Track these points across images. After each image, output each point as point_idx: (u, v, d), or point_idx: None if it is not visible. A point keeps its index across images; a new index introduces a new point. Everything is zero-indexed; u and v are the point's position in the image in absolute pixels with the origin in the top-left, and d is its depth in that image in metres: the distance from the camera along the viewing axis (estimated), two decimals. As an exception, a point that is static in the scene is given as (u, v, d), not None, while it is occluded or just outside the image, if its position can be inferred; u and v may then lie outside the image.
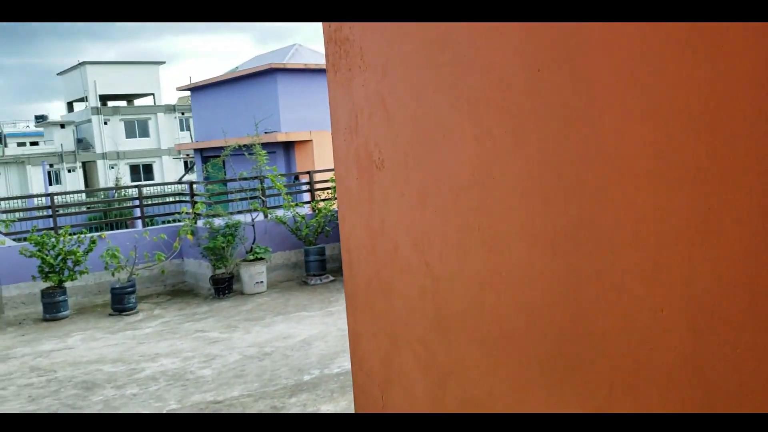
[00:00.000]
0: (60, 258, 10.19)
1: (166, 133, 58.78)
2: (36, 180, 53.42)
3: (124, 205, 17.24)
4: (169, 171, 58.50)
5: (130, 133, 58.13)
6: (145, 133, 58.91)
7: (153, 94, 60.54)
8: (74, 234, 10.53)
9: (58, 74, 61.26)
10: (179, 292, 11.81)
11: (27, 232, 10.70)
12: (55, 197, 12.39)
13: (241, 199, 12.08)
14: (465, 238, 1.90)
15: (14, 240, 11.36)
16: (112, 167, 57.24)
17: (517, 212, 1.68)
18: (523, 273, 1.70)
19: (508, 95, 1.68)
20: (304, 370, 6.99)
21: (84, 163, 56.89)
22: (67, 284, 10.40)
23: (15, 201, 18.59)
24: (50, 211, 11.78)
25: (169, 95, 66.37)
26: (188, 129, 59.93)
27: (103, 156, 56.77)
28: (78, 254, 10.24)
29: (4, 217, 11.03)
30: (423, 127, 1.99)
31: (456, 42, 1.81)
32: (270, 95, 21.81)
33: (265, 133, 21.70)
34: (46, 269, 10.12)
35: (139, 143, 57.93)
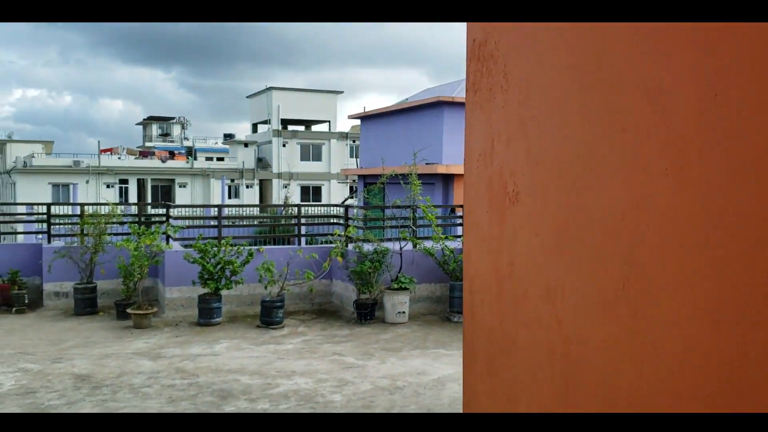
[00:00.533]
0: (219, 267, 10.73)
1: (337, 158, 61.45)
2: (217, 192, 57.96)
3: (284, 222, 18.00)
4: (335, 194, 61.09)
5: (304, 156, 61.40)
6: (318, 157, 61.95)
7: (329, 121, 63.63)
8: (235, 245, 11.06)
9: (247, 97, 66.33)
10: (324, 312, 11.99)
11: (194, 239, 11.41)
12: (227, 209, 13.14)
13: (392, 227, 12.10)
14: (607, 294, 1.55)
15: (182, 246, 12.19)
16: (285, 186, 60.72)
17: (675, 270, 1.31)
18: (676, 347, 1.32)
19: (674, 125, 1.32)
20: (433, 412, 6.68)
21: (261, 181, 60.88)
22: (223, 292, 10.92)
23: (186, 209, 20.13)
24: (226, 222, 12.52)
25: (343, 123, 69.22)
26: (356, 156, 62.49)
27: (279, 175, 60.37)
28: (235, 264, 10.73)
29: (179, 223, 11.95)
30: (566, 157, 1.67)
31: (612, 59, 1.47)
32: (435, 127, 21.98)
33: (426, 164, 21.92)
34: (206, 276, 10.69)
35: (311, 166, 61.00)
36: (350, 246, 11.51)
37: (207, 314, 10.71)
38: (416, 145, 23.25)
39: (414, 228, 11.76)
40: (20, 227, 15.16)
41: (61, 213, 14.80)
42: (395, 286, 10.87)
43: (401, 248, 11.30)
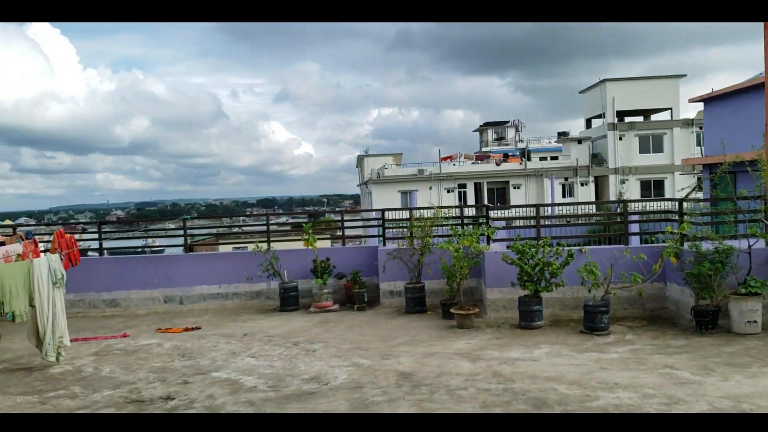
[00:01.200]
0: (537, 268, 10.36)
1: (681, 148, 56.21)
2: (550, 192, 57.53)
3: (608, 220, 16.78)
4: (680, 188, 55.79)
5: (643, 149, 57.54)
6: (659, 148, 57.50)
7: (671, 109, 58.54)
8: (555, 245, 10.58)
9: (579, 92, 64.61)
10: (656, 318, 10.76)
11: (511, 240, 11.22)
12: (549, 209, 12.72)
13: (737, 222, 10.30)
14: None
15: (506, 246, 12.13)
16: (622, 182, 57.56)
17: None
18: None
19: None
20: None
21: (596, 178, 58.71)
22: (544, 295, 10.51)
23: (510, 210, 20.03)
24: (553, 221, 12.16)
25: (686, 110, 62.98)
26: (702, 144, 56.21)
27: (615, 171, 57.54)
28: (554, 266, 10.25)
29: (498, 224, 11.94)
30: None
31: None
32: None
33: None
34: (524, 277, 10.41)
35: (651, 159, 56.82)
36: (685, 245, 10.13)
37: (527, 317, 10.42)
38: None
39: (767, 222, 9.85)
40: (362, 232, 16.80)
41: (397, 218, 16.01)
42: (743, 290, 9.20)
43: (750, 246, 9.54)
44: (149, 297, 13.85)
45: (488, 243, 11.84)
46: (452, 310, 10.84)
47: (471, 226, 12.04)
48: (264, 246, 13.37)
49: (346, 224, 15.95)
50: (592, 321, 9.95)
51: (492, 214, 12.93)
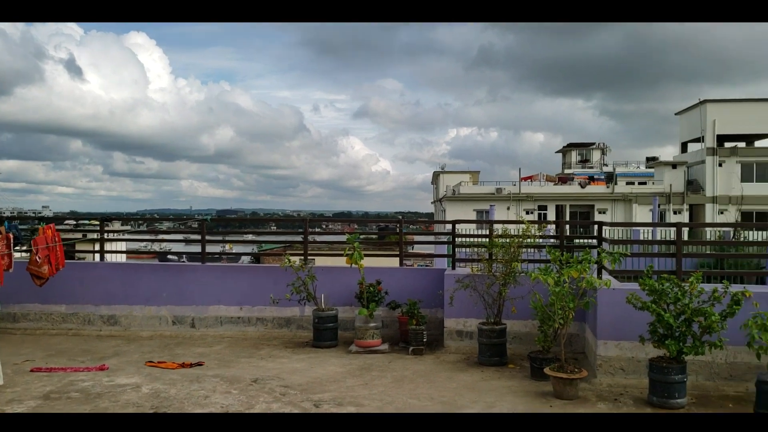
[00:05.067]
0: (683, 318, 6.89)
1: (791, 177, 50.48)
2: (641, 217, 52.64)
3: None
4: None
5: (746, 177, 52.06)
6: (763, 177, 51.82)
7: (779, 134, 52.85)
8: (708, 286, 7.05)
9: (676, 114, 59.51)
10: None
11: (641, 272, 7.74)
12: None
13: None
14: None
15: (620, 281, 8.63)
16: (721, 212, 52.20)
17: None
18: None
19: None
20: None
21: (691, 206, 53.53)
22: (689, 358, 7.01)
23: (620, 230, 16.28)
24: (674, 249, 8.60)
25: (796, 136, 57.01)
26: (821, 174, 50.46)
27: (713, 200, 52.29)
28: (712, 317, 6.73)
29: (619, 248, 8.27)
30: None
31: None
32: None
33: None
34: (661, 330, 6.96)
35: (756, 188, 51.23)
36: None
37: (663, 389, 6.91)
38: None
39: None
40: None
41: (473, 234, 12.66)
42: None
43: None
44: (155, 315, 11.02)
45: (600, 275, 8.41)
46: (547, 370, 7.45)
47: (577, 252, 8.64)
48: (296, 260, 10.34)
49: (415, 246, 12.69)
50: (769, 405, 6.37)
51: (608, 233, 9.48)
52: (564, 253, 8.58)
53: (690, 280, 7.00)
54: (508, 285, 8.94)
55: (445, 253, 11.73)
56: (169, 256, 36.52)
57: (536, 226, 9.39)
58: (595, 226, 9.40)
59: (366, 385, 7.87)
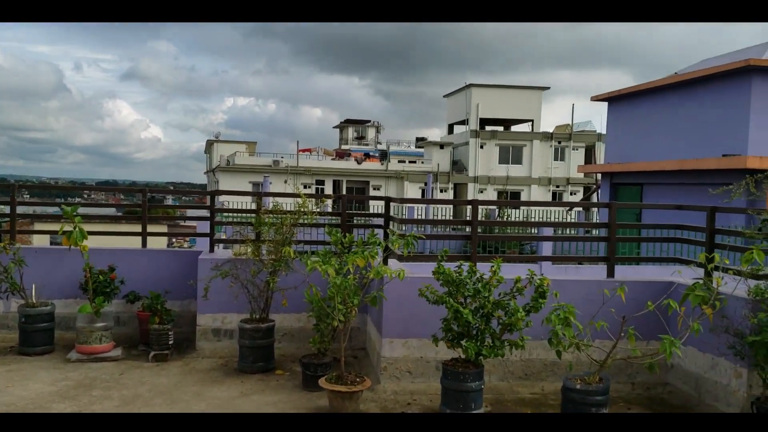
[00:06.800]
0: (482, 313, 5.77)
1: (540, 161, 55.38)
2: (411, 194, 54.34)
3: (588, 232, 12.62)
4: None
5: (503, 159, 56.01)
6: (517, 160, 56.24)
7: (532, 121, 57.64)
8: (508, 275, 6.00)
9: (444, 96, 62.30)
10: (659, 403, 6.56)
11: (431, 257, 6.52)
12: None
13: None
14: None
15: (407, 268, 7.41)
16: (481, 191, 55.77)
17: None
18: None
19: None
20: None
21: (456, 185, 56.47)
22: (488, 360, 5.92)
23: (419, 207, 15.42)
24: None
25: (547, 123, 62.78)
26: (561, 159, 55.86)
27: (475, 179, 55.60)
28: (517, 313, 5.67)
29: (411, 231, 6.83)
30: None
31: None
32: (735, 104, 15.50)
33: (724, 156, 15.57)
34: (457, 328, 5.79)
35: (510, 170, 55.47)
36: (733, 285, 5.94)
37: (458, 399, 5.73)
38: (694, 131, 17.02)
39: None
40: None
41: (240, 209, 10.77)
42: None
43: None
44: None
45: (386, 260, 7.08)
46: (323, 382, 5.93)
47: (361, 232, 7.19)
48: (-6, 241, 7.70)
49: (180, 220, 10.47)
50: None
51: (394, 211, 8.19)
52: (347, 234, 7.12)
53: (492, 268, 5.89)
54: (278, 273, 7.25)
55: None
56: None
57: (314, 201, 7.79)
58: (381, 203, 8.08)
59: (83, 410, 5.74)
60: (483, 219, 13.82)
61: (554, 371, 6.89)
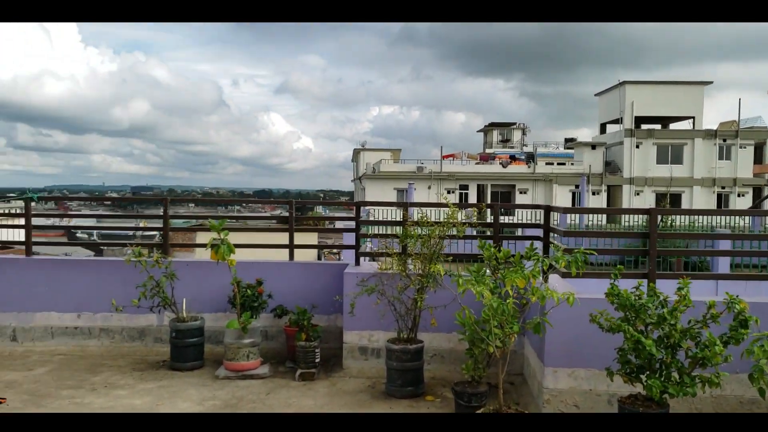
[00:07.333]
0: (666, 344, 4.88)
1: (702, 161, 51.11)
2: (561, 198, 52.22)
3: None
4: (698, 203, 50.74)
5: (661, 159, 52.34)
6: (677, 159, 52.30)
7: (693, 118, 53.28)
8: (698, 299, 5.06)
9: (595, 95, 59.32)
10: None
11: (602, 273, 5.68)
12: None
13: None
14: None
15: (575, 289, 6.59)
16: (638, 194, 52.44)
17: None
18: None
19: None
20: None
21: (609, 187, 53.51)
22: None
23: (589, 217, 14.46)
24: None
25: (710, 120, 57.85)
26: (727, 158, 51.30)
27: (630, 181, 52.36)
28: (715, 346, 4.72)
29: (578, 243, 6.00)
30: None
31: None
32: None
33: None
34: (636, 360, 4.94)
35: (669, 170, 51.64)
36: None
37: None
38: None
39: None
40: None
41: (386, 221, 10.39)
42: None
43: None
44: (-38, 326, 8.26)
45: (546, 277, 6.32)
46: (481, 413, 5.30)
47: (512, 245, 6.48)
48: (147, 253, 7.81)
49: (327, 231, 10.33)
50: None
51: (555, 221, 7.39)
52: (498, 247, 6.44)
53: (680, 290, 4.97)
54: (426, 290, 6.73)
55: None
56: (79, 234, 32.68)
57: (464, 211, 7.19)
58: (541, 212, 7.30)
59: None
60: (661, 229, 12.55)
61: (752, 410, 5.81)
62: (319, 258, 18.64)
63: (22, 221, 8.59)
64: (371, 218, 17.75)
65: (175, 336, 7.45)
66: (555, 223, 13.86)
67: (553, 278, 6.65)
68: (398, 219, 7.72)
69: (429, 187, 50.96)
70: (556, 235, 6.98)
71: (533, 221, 13.51)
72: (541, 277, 5.56)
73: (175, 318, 7.61)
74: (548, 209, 7.09)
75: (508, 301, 5.08)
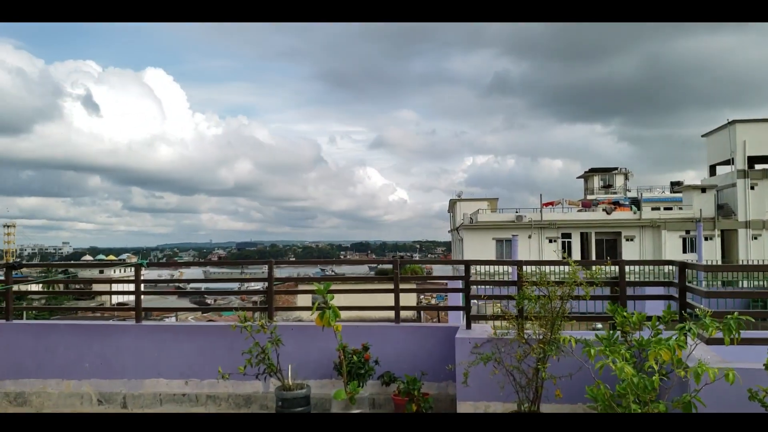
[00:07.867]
0: None
1: (831, 201, 47.26)
2: (671, 245, 49.46)
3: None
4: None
5: (780, 200, 48.77)
6: (798, 199, 48.57)
7: (815, 155, 49.69)
8: None
9: (702, 136, 56.55)
10: None
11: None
12: None
13: None
14: None
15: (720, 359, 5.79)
16: (755, 238, 48.92)
17: None
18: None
19: None
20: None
21: (723, 231, 50.25)
22: None
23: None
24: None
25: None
26: None
27: (746, 224, 49.03)
28: None
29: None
30: None
31: None
32: None
33: None
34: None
35: (789, 213, 48.05)
36: None
37: None
38: None
39: None
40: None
41: (493, 280, 9.86)
42: None
43: None
44: (75, 392, 8.32)
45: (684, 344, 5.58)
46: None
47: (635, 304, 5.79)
48: (254, 317, 7.63)
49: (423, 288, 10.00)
50: None
51: (691, 276, 6.61)
52: (626, 310, 5.80)
53: None
54: (548, 357, 6.14)
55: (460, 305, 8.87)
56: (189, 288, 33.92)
57: (585, 269, 6.56)
58: (673, 267, 6.58)
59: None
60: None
61: None
62: (417, 316, 18.17)
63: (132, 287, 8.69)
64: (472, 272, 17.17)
65: (281, 405, 7.16)
66: (691, 281, 12.76)
67: (693, 344, 5.90)
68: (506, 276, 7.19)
69: (529, 237, 49.58)
70: (694, 295, 6.24)
71: (657, 277, 12.49)
72: (687, 348, 4.87)
73: (281, 386, 7.33)
74: (683, 266, 6.36)
75: (654, 378, 4.43)
